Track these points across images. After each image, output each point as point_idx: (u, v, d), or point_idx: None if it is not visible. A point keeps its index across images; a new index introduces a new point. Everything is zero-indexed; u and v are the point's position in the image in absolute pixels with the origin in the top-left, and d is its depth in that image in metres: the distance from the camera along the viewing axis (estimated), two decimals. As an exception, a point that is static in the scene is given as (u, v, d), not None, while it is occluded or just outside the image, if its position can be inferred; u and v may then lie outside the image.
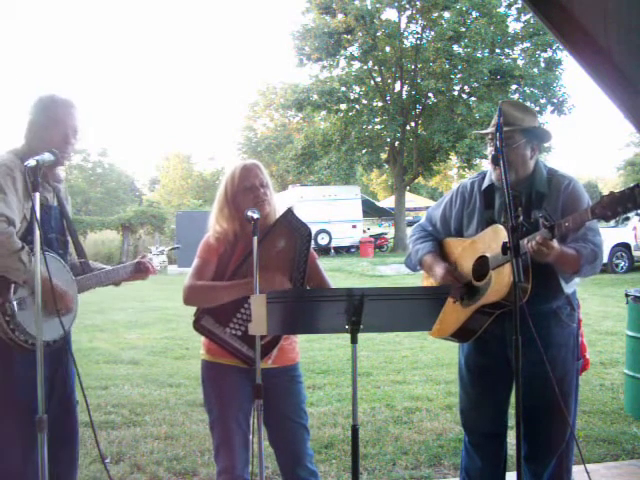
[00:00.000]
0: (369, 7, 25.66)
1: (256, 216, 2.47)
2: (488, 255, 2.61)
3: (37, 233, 2.16)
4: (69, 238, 2.73)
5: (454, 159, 29.36)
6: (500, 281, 2.53)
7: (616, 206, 2.16)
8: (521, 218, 2.53)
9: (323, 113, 28.83)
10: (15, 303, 2.35)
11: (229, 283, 2.60)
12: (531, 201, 2.67)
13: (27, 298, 2.40)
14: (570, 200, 2.64)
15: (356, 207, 26.43)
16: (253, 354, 2.53)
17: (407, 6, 26.32)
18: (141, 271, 2.93)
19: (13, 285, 2.35)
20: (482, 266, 2.65)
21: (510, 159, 2.63)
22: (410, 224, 26.19)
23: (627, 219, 16.07)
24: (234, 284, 2.58)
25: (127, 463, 4.03)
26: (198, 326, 2.64)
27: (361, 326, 2.07)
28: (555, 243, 2.39)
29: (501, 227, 2.59)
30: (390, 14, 26.87)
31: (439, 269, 2.78)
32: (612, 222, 17.74)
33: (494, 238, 2.59)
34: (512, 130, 2.65)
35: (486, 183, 2.81)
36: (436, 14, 26.02)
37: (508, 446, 2.93)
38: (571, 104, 25.15)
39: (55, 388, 2.59)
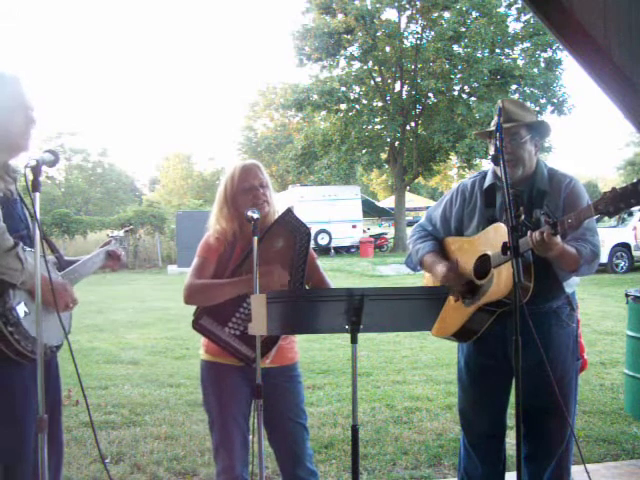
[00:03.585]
0: (369, 7, 25.64)
1: (256, 216, 2.47)
2: (490, 253, 2.59)
3: (37, 233, 2.05)
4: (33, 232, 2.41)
5: (454, 159, 29.36)
6: (502, 279, 2.51)
7: (619, 202, 2.14)
8: (523, 217, 2.52)
9: (323, 113, 28.81)
10: (18, 309, 2.13)
11: (230, 280, 2.60)
12: (533, 199, 2.65)
13: (28, 302, 2.18)
14: (572, 198, 2.63)
15: (356, 207, 26.41)
16: (251, 353, 2.53)
17: (407, 6, 26.31)
18: (112, 259, 2.83)
19: (11, 290, 2.14)
20: (484, 264, 2.64)
21: (518, 155, 2.63)
22: (410, 224, 26.19)
23: (631, 214, 16.04)
24: (235, 280, 2.58)
25: (127, 463, 4.03)
26: (197, 325, 2.64)
27: (361, 326, 2.06)
28: (559, 239, 2.38)
29: (503, 225, 2.54)
30: (390, 14, 26.91)
31: (440, 267, 2.75)
32: (612, 222, 17.82)
33: (496, 236, 2.56)
34: (517, 126, 2.63)
35: (488, 182, 2.79)
36: (436, 14, 26.02)
37: (508, 446, 2.93)
38: (571, 104, 25.19)
39: (49, 393, 2.34)
